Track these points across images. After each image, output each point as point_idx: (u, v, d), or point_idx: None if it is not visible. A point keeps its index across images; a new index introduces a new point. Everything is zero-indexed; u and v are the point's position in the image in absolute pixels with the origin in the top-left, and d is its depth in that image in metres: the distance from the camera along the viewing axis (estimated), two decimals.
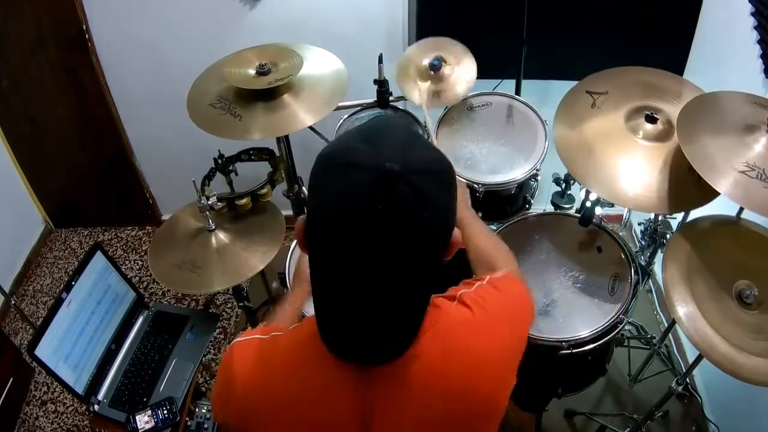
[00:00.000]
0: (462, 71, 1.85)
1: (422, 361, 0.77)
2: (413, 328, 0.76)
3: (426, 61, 1.84)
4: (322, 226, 0.68)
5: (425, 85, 1.80)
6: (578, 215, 1.72)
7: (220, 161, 1.85)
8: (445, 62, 1.85)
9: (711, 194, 1.38)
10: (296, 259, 1.49)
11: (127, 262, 3.04)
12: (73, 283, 1.76)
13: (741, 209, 1.48)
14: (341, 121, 2.05)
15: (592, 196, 1.71)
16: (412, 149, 0.67)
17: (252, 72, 1.66)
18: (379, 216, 0.64)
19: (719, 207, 1.43)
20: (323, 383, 0.79)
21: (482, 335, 0.83)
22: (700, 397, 2.19)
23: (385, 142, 0.67)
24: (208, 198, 1.70)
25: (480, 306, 0.85)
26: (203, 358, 1.97)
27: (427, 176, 0.66)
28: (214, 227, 1.76)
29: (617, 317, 1.54)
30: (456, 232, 0.75)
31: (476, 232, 1.12)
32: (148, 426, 1.70)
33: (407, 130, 0.73)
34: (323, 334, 0.76)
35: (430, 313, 0.79)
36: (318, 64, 1.78)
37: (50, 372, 1.64)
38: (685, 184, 1.43)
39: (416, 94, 1.81)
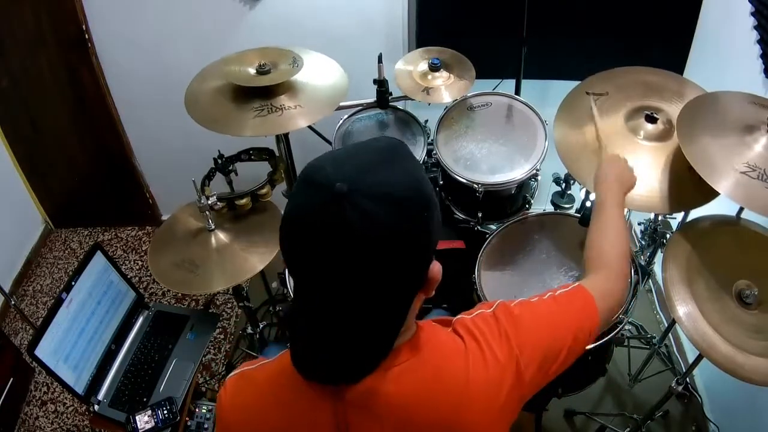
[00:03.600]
0: (456, 85, 1.91)
1: (399, 388, 0.76)
2: (373, 352, 0.74)
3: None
4: (283, 237, 0.71)
5: None
6: (578, 215, 1.71)
7: (220, 161, 1.84)
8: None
9: (711, 194, 1.38)
10: None
11: (127, 262, 3.04)
12: (73, 283, 1.76)
13: (741, 209, 1.48)
14: (341, 121, 2.05)
15: (592, 196, 1.71)
16: (372, 172, 0.67)
17: (252, 71, 1.67)
18: (327, 234, 0.65)
19: (719, 207, 1.43)
20: (302, 409, 0.79)
21: (469, 367, 0.78)
22: (700, 397, 2.19)
23: (348, 163, 0.69)
24: (208, 198, 1.70)
25: (472, 336, 0.81)
26: (203, 358, 1.97)
27: (379, 201, 0.65)
28: (213, 227, 1.76)
29: (617, 317, 1.54)
30: (435, 267, 0.74)
31: (602, 225, 1.10)
32: (148, 426, 1.70)
33: (382, 153, 0.71)
34: (291, 352, 0.76)
35: (416, 339, 0.79)
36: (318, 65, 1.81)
37: (50, 372, 1.63)
38: (686, 184, 1.43)
39: None
